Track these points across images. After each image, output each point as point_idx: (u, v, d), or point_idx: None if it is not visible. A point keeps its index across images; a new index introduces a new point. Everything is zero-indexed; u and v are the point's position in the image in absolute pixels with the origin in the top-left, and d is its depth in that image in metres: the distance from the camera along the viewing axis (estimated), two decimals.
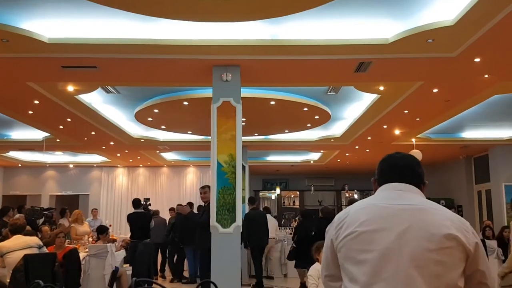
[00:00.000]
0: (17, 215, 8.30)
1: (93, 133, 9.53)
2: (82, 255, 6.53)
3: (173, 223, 9.48)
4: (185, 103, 7.26)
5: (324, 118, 8.31)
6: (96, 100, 7.66)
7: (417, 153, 9.16)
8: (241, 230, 5.22)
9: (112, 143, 10.75)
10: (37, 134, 10.04)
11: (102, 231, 7.40)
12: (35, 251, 5.38)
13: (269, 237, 8.89)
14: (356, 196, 16.28)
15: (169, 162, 14.44)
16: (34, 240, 5.59)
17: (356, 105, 7.98)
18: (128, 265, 7.53)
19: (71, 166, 14.89)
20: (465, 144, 10.78)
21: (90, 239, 8.20)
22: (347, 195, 16.75)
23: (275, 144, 11.02)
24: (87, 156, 13.54)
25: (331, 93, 7.20)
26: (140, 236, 8.16)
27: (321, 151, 12.69)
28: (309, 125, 8.91)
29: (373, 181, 1.78)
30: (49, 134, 9.94)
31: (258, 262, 8.56)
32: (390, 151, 1.82)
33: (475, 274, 1.54)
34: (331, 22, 4.72)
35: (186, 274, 9.26)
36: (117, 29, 4.79)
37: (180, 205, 8.37)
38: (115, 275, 6.63)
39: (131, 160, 13.95)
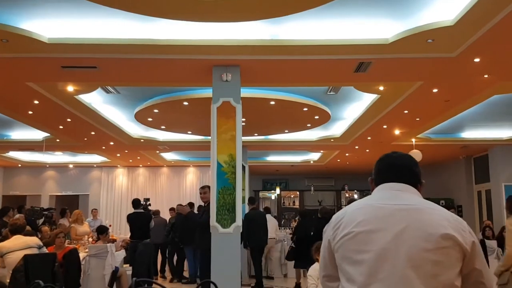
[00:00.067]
0: (17, 215, 8.29)
1: (93, 133, 9.53)
2: (82, 255, 6.52)
3: (173, 223, 9.48)
4: (185, 103, 7.26)
5: (324, 118, 8.31)
6: (96, 100, 7.66)
7: (417, 153, 9.17)
8: (241, 230, 5.22)
9: (112, 143, 10.75)
10: (37, 134, 10.04)
11: (102, 231, 7.41)
12: (35, 251, 5.37)
13: (269, 237, 8.90)
14: (356, 196, 16.25)
15: (169, 162, 14.44)
16: (34, 240, 5.59)
17: (356, 105, 7.98)
18: (128, 265, 7.53)
19: (71, 166, 14.90)
20: (465, 144, 10.78)
21: (90, 239, 8.20)
22: (347, 195, 16.73)
23: (275, 144, 11.02)
24: (87, 156, 13.55)
25: (331, 93, 7.19)
26: (140, 236, 8.15)
27: (321, 151, 12.69)
28: (309, 125, 8.91)
29: (370, 181, 1.77)
30: (49, 134, 9.94)
31: (258, 262, 8.56)
32: (390, 151, 1.81)
33: (472, 273, 1.54)
34: (331, 22, 4.72)
35: (186, 274, 9.26)
36: (116, 29, 4.79)
37: (180, 205, 8.37)
38: (115, 275, 6.63)
39: (131, 160, 13.95)
